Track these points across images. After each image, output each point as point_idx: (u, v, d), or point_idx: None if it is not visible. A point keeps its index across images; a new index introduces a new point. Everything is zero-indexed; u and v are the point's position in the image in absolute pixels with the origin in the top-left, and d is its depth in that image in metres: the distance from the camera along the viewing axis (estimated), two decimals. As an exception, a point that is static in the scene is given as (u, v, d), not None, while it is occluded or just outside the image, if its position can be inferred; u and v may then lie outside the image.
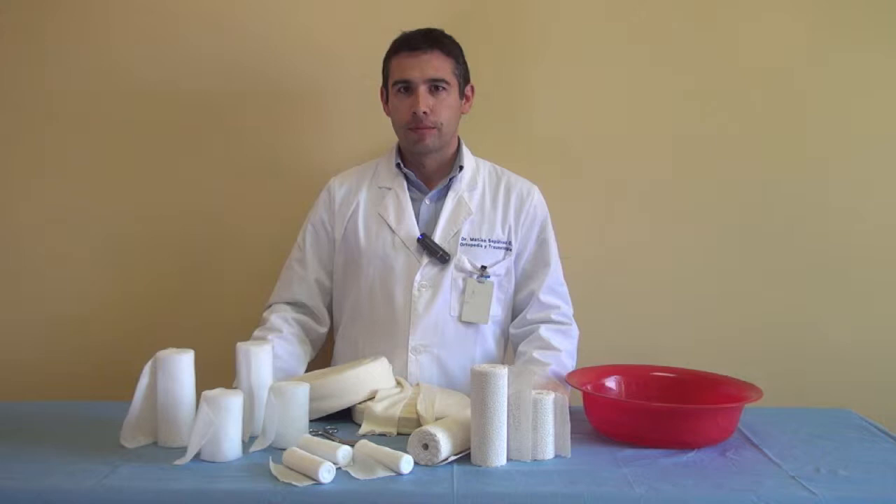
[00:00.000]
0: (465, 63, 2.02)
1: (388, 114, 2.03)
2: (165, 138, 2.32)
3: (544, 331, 1.99)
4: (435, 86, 1.94)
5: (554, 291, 2.04)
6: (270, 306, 2.06)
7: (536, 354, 1.95)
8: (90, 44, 2.30)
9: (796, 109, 2.30)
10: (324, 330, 2.08)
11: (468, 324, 1.99)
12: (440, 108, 1.95)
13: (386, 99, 2.03)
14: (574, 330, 2.05)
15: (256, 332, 1.99)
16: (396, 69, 1.97)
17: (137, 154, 2.32)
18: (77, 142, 2.32)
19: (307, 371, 1.97)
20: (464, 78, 2.02)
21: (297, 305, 2.05)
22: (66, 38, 2.30)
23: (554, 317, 2.02)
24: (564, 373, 1.89)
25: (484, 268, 1.99)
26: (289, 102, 2.31)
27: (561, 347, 1.97)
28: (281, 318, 2.00)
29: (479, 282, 1.99)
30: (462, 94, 2.02)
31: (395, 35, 1.99)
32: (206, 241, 2.33)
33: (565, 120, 2.31)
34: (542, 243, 2.06)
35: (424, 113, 1.93)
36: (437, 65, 1.94)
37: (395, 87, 1.97)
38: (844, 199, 2.31)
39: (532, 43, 2.30)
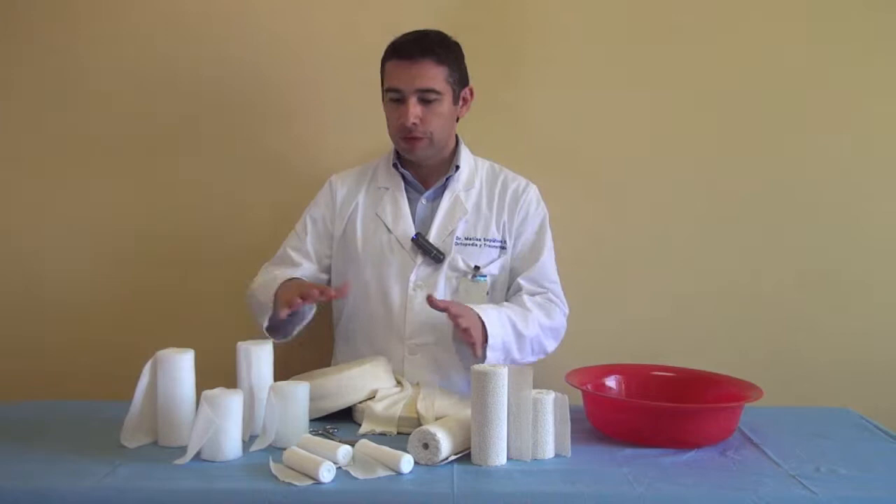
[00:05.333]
0: (460, 67, 1.99)
1: None
2: (165, 139, 2.32)
3: (526, 296, 1.99)
4: (425, 97, 1.93)
5: (542, 287, 2.03)
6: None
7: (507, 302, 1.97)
8: (88, 42, 2.30)
9: (796, 110, 2.30)
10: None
11: None
12: (430, 118, 1.93)
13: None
14: (559, 312, 2.02)
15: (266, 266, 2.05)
16: (388, 76, 1.95)
17: (137, 154, 2.33)
18: (76, 142, 2.32)
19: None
20: (459, 83, 1.99)
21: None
22: (64, 36, 2.30)
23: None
24: (516, 333, 1.90)
25: (477, 268, 1.99)
26: (290, 103, 2.32)
27: (532, 310, 1.96)
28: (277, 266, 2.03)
29: (473, 281, 1.99)
30: (457, 99, 1.99)
31: (394, 34, 1.98)
32: (206, 240, 2.33)
33: (566, 120, 2.31)
34: (534, 240, 2.04)
35: (414, 124, 1.92)
36: (427, 74, 1.91)
37: (388, 95, 1.96)
38: (845, 200, 2.31)
39: (533, 42, 2.30)
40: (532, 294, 2.01)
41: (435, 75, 1.93)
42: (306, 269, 2.04)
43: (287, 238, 2.09)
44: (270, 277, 1.96)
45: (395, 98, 1.94)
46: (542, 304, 2.00)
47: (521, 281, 2.02)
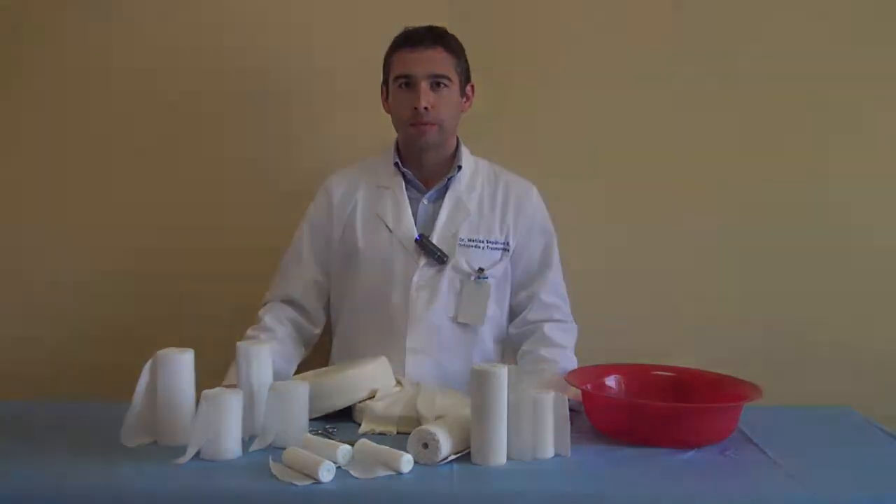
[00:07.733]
0: (466, 62, 2.01)
1: (388, 111, 2.02)
2: (163, 138, 2.32)
3: (548, 329, 2.00)
4: (437, 82, 1.94)
5: (555, 292, 2.05)
6: (266, 304, 2.05)
7: (543, 352, 1.95)
8: (87, 42, 2.30)
9: (796, 109, 2.30)
10: (317, 331, 2.07)
11: (465, 325, 1.99)
12: (441, 105, 1.94)
13: (386, 96, 2.02)
14: (574, 327, 2.06)
15: (249, 332, 1.98)
16: (398, 64, 1.96)
17: (137, 154, 2.33)
18: (76, 141, 2.32)
19: (300, 370, 1.97)
20: (465, 76, 2.01)
21: (292, 304, 2.04)
22: (63, 37, 2.30)
23: (555, 315, 2.03)
24: (571, 369, 1.90)
25: (481, 269, 1.99)
26: (289, 101, 2.32)
27: (565, 344, 1.99)
28: (274, 318, 2.00)
29: (477, 283, 1.99)
30: (463, 93, 2.01)
31: (394, 33, 1.99)
32: (205, 240, 2.33)
33: (566, 119, 2.31)
34: (543, 244, 2.06)
35: (426, 108, 1.92)
36: (439, 61, 1.94)
37: (397, 83, 1.96)
38: (845, 198, 2.31)
39: (533, 42, 2.30)
40: (548, 318, 2.02)
41: (446, 62, 1.95)
42: (307, 274, 2.03)
43: (286, 251, 2.07)
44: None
45: (405, 84, 1.94)
46: (563, 328, 2.02)
47: (539, 294, 2.02)
